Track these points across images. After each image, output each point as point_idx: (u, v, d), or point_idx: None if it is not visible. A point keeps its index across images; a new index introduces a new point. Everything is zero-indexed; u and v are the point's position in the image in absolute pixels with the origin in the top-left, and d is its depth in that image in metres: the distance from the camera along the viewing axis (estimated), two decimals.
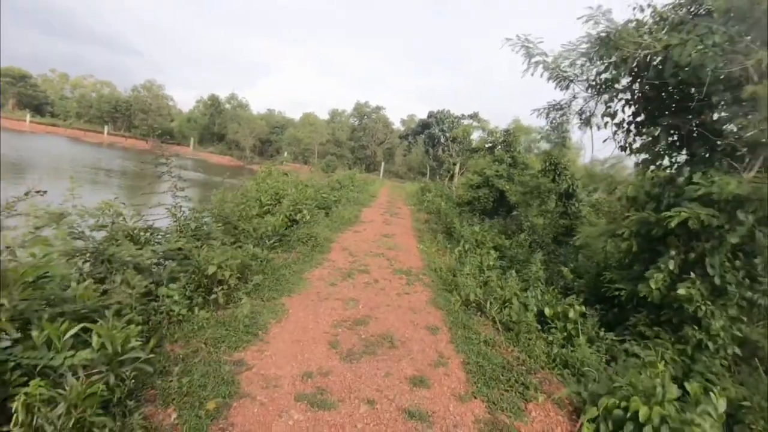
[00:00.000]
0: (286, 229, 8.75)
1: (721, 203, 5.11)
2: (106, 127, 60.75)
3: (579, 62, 6.72)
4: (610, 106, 7.17)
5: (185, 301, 4.20)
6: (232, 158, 57.25)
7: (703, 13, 6.15)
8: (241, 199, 7.97)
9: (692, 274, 5.20)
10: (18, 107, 61.46)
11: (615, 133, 7.23)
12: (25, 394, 2.11)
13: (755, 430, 3.63)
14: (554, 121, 7.93)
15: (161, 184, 6.18)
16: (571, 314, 5.61)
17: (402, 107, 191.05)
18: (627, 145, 7.31)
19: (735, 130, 5.73)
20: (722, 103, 5.71)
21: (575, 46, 6.26)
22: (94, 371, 2.44)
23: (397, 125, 68.97)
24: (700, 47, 5.09)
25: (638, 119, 7.20)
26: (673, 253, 5.51)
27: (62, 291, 3.02)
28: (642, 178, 6.59)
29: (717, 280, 5.20)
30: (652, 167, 6.87)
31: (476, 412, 3.43)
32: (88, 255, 4.19)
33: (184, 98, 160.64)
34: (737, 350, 5.02)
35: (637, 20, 6.38)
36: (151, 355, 2.89)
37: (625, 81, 6.99)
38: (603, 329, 5.62)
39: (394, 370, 3.91)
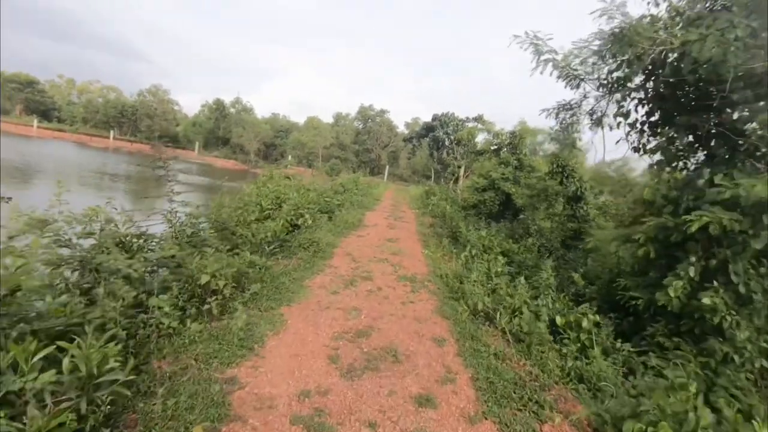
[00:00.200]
0: (287, 234, 8.52)
1: (744, 207, 4.81)
2: (112, 132, 61.09)
3: (591, 60, 6.46)
4: (622, 106, 6.88)
5: (177, 312, 3.95)
6: (236, 162, 57.35)
7: (719, 8, 5.88)
8: (239, 203, 7.75)
9: (715, 282, 4.90)
10: (25, 113, 62.00)
11: (628, 133, 6.93)
12: None
13: None
14: (564, 122, 7.64)
15: (164, 189, 5.99)
16: (585, 324, 5.33)
17: (406, 110, 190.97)
18: (641, 146, 7.01)
19: (757, 128, 5.43)
20: (744, 100, 5.41)
21: (587, 42, 5.98)
22: (63, 398, 2.20)
23: (402, 128, 68.85)
24: (721, 42, 4.81)
25: (652, 119, 6.90)
26: (693, 259, 5.21)
27: (37, 305, 2.78)
28: (658, 181, 6.28)
29: (741, 288, 4.89)
30: (667, 169, 6.57)
31: None
32: (75, 263, 3.99)
33: (190, 103, 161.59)
34: (765, 363, 4.71)
35: (651, 16, 6.10)
36: (131, 377, 2.64)
37: (638, 79, 6.71)
38: (619, 339, 5.33)
39: (398, 387, 3.64)
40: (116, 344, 2.83)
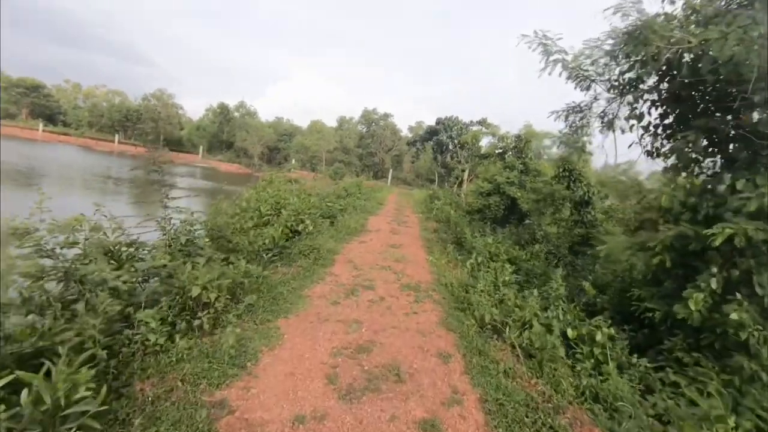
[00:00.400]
0: (287, 240, 8.27)
1: None
2: (116, 136, 61.32)
3: (602, 60, 6.20)
4: (635, 108, 6.60)
5: (165, 328, 3.70)
6: (240, 166, 57.35)
7: (735, 7, 5.60)
8: (237, 210, 7.51)
9: (738, 295, 4.60)
10: (31, 117, 62.42)
11: (642, 136, 6.65)
12: None
13: None
14: (574, 125, 7.36)
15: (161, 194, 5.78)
16: (599, 337, 5.03)
17: (410, 114, 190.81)
18: (654, 149, 6.72)
19: None
20: (767, 101, 5.12)
21: (600, 42, 5.72)
22: None
23: (405, 132, 68.67)
24: (743, 40, 4.54)
25: (666, 121, 6.62)
26: (714, 270, 4.91)
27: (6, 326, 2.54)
28: (675, 187, 5.98)
29: (767, 301, 4.59)
30: (683, 174, 6.28)
31: None
32: (60, 275, 3.76)
33: (195, 107, 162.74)
34: None
35: (665, 13, 5.84)
36: (105, 407, 2.39)
37: (650, 80, 6.44)
38: (634, 354, 5.04)
39: (401, 411, 3.36)
40: (93, 366, 2.59)
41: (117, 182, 29.69)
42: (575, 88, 6.67)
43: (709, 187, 5.49)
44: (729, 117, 5.60)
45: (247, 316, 4.73)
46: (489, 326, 5.40)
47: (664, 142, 6.67)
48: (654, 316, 5.47)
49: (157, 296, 4.14)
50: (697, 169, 6.21)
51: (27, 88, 62.70)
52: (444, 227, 15.08)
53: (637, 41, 5.36)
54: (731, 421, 3.05)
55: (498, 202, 17.15)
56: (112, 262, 4.41)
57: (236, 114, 68.09)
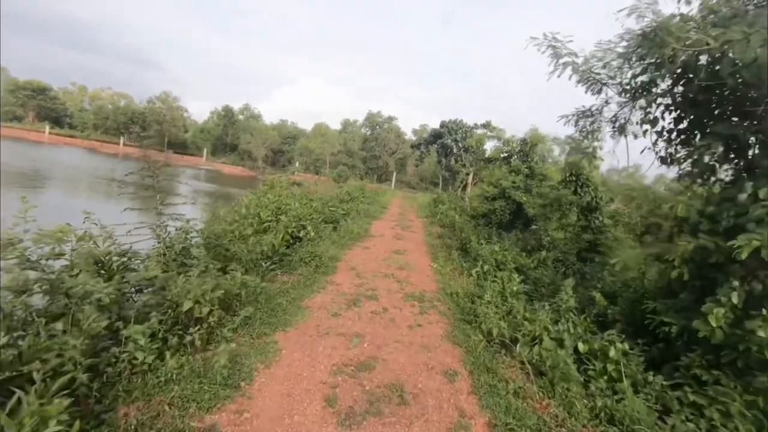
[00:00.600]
0: (287, 247, 8.06)
1: None
2: (122, 138, 61.61)
3: (614, 63, 5.96)
4: (648, 112, 6.35)
5: (154, 345, 3.49)
6: (244, 168, 57.45)
7: (752, 8, 5.36)
8: (236, 216, 7.30)
9: (764, 311, 4.33)
10: (38, 119, 62.90)
11: (655, 142, 6.39)
12: None
13: None
14: (584, 129, 7.11)
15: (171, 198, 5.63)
16: (612, 353, 4.78)
17: (414, 117, 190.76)
18: (668, 155, 6.46)
19: None
20: None
21: (614, 44, 5.49)
22: None
23: (409, 135, 68.48)
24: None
25: (680, 126, 6.36)
26: (736, 283, 4.64)
27: None
28: (692, 195, 5.72)
29: None
30: (698, 180, 6.02)
31: None
32: (46, 287, 3.57)
33: (200, 110, 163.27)
34: None
35: (681, 14, 5.60)
36: None
37: (664, 84, 6.19)
38: (649, 371, 4.78)
39: None
40: (69, 392, 2.39)
41: (121, 185, 29.68)
42: (586, 91, 6.44)
43: (729, 196, 5.23)
44: (748, 122, 5.34)
45: (243, 329, 4.52)
46: (497, 340, 5.15)
47: (678, 147, 6.41)
48: (670, 330, 5.21)
49: (148, 309, 3.94)
50: (713, 177, 5.95)
51: (34, 90, 63.25)
52: (449, 232, 14.84)
53: (653, 43, 5.12)
54: None
55: (503, 206, 16.88)
56: (102, 272, 4.23)
57: (241, 117, 68.31)
